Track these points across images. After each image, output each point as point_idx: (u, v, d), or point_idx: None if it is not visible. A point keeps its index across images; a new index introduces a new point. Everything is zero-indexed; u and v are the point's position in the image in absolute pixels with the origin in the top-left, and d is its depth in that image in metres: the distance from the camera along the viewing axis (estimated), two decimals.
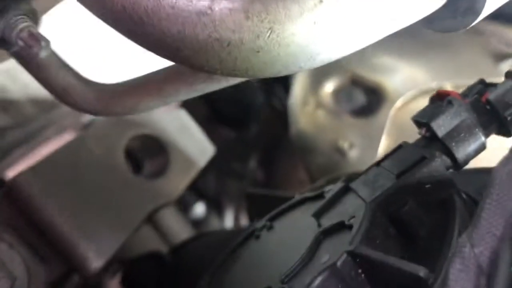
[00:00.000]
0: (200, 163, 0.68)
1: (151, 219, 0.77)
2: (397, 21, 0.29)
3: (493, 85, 0.37)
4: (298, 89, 0.86)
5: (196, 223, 1.27)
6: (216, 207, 1.41)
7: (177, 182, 0.62)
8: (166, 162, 0.62)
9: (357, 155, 0.76)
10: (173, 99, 0.35)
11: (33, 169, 0.47)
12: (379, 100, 0.78)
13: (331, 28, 0.27)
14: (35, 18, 0.36)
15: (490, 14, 0.81)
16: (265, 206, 0.49)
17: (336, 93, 0.82)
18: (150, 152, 0.63)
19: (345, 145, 0.76)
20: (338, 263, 0.31)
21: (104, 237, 0.49)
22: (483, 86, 0.37)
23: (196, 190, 1.46)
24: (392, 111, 0.76)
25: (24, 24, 0.33)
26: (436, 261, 0.30)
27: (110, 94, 0.36)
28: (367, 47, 0.85)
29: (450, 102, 0.36)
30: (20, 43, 0.31)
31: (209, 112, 1.44)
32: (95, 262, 0.47)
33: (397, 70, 0.78)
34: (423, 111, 0.38)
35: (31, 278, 0.44)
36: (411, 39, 0.81)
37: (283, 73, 0.29)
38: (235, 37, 0.25)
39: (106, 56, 0.67)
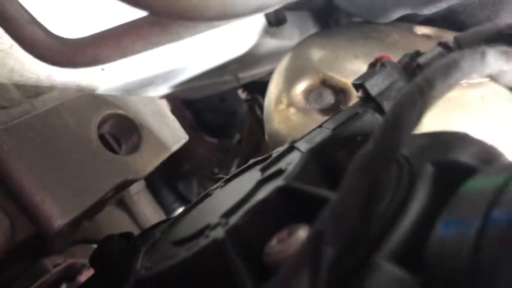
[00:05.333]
0: (172, 147, 0.70)
1: (124, 204, 0.80)
2: None
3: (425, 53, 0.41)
4: (272, 89, 0.90)
5: None
6: None
7: (147, 161, 0.64)
8: (138, 142, 0.65)
9: None
10: (130, 51, 0.38)
11: (5, 129, 0.50)
12: (346, 99, 0.82)
13: None
14: None
15: (449, 24, 0.86)
16: None
17: (307, 92, 0.86)
18: (123, 131, 0.66)
19: None
20: (270, 197, 0.34)
21: (69, 200, 0.51)
22: (416, 54, 0.41)
23: (179, 194, 1.49)
24: None
25: None
26: None
27: (73, 47, 0.39)
28: (339, 52, 0.88)
29: (383, 65, 0.39)
30: None
31: (193, 120, 1.48)
32: (59, 220, 0.49)
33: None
34: (360, 76, 0.41)
35: None
36: (378, 44, 0.85)
37: (226, 16, 0.32)
38: None
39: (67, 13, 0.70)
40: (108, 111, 0.63)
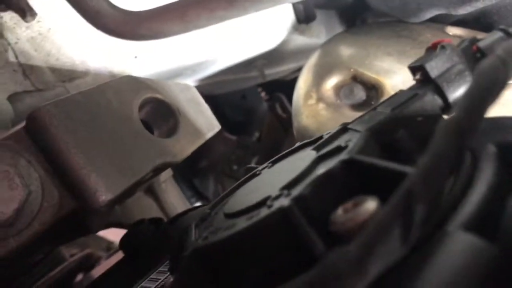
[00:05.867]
0: (207, 134, 0.71)
1: (152, 191, 0.80)
2: None
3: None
4: (302, 84, 0.91)
5: None
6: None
7: (184, 145, 0.65)
8: (175, 126, 0.65)
9: None
10: (194, 24, 0.39)
11: (55, 103, 0.50)
12: (378, 96, 0.82)
13: None
14: None
15: (481, 26, 0.86)
16: None
17: (338, 88, 0.86)
18: (161, 115, 0.66)
19: None
20: (334, 170, 0.34)
21: (114, 176, 0.52)
22: (475, 39, 0.41)
23: (196, 189, 1.50)
24: None
25: None
26: None
27: (137, 18, 0.40)
28: (370, 49, 0.89)
29: (443, 47, 0.39)
30: None
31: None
32: (104, 195, 0.50)
33: (396, 71, 0.83)
34: (418, 59, 0.42)
35: (44, 197, 0.47)
36: (411, 43, 0.86)
37: None
38: None
39: None
40: (148, 95, 0.63)
